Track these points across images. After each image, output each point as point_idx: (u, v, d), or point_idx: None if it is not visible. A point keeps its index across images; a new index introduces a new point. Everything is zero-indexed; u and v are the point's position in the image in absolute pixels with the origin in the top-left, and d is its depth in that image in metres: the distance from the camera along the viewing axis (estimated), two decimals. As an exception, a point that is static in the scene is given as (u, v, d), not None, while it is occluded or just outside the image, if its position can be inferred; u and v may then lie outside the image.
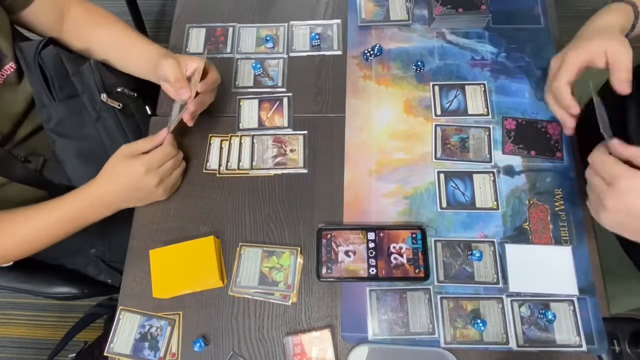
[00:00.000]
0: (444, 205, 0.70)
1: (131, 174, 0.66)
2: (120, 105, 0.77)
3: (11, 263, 0.83)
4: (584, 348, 0.62)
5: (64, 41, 0.79)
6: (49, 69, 0.72)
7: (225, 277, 0.68)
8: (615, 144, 0.55)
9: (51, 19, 0.77)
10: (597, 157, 0.56)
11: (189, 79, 0.69)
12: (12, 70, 0.72)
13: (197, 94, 0.68)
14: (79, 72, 0.74)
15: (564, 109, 0.65)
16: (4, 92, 0.72)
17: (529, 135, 0.74)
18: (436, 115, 0.76)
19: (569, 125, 0.66)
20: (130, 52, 0.78)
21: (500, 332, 0.63)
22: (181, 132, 0.75)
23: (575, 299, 0.64)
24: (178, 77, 0.67)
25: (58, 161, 0.78)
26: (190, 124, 0.70)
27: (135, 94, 0.81)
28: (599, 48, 0.61)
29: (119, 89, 0.78)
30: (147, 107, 0.83)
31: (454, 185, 0.72)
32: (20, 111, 0.75)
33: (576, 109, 0.63)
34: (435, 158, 0.73)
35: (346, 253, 0.67)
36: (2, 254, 0.70)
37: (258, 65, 0.81)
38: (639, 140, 0.69)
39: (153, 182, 0.67)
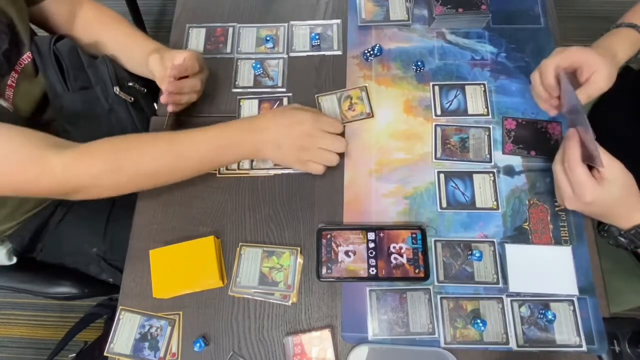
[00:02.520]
0: (444, 205, 0.70)
1: (299, 117, 0.67)
2: (132, 99, 0.79)
3: (15, 261, 0.83)
4: (584, 348, 0.62)
5: (74, 38, 0.81)
6: (65, 59, 0.74)
7: (225, 277, 0.68)
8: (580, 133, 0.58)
9: (64, 16, 0.80)
10: (570, 160, 0.60)
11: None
12: (29, 60, 0.74)
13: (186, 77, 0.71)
14: (94, 64, 0.76)
15: (545, 88, 0.67)
16: (23, 81, 0.73)
17: (529, 135, 0.74)
18: (436, 115, 0.76)
19: (551, 104, 0.68)
20: (132, 51, 0.79)
21: (500, 332, 0.63)
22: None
23: (575, 299, 0.64)
24: (161, 75, 0.70)
25: None
26: (170, 108, 0.72)
27: (145, 90, 0.83)
28: (595, 62, 0.62)
29: (130, 84, 0.80)
30: (155, 105, 0.84)
31: (454, 185, 0.72)
32: (38, 100, 0.76)
33: (556, 92, 0.66)
34: (435, 158, 0.73)
35: (346, 253, 0.67)
36: (134, 179, 0.65)
37: (258, 65, 0.81)
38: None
39: (305, 132, 0.66)
